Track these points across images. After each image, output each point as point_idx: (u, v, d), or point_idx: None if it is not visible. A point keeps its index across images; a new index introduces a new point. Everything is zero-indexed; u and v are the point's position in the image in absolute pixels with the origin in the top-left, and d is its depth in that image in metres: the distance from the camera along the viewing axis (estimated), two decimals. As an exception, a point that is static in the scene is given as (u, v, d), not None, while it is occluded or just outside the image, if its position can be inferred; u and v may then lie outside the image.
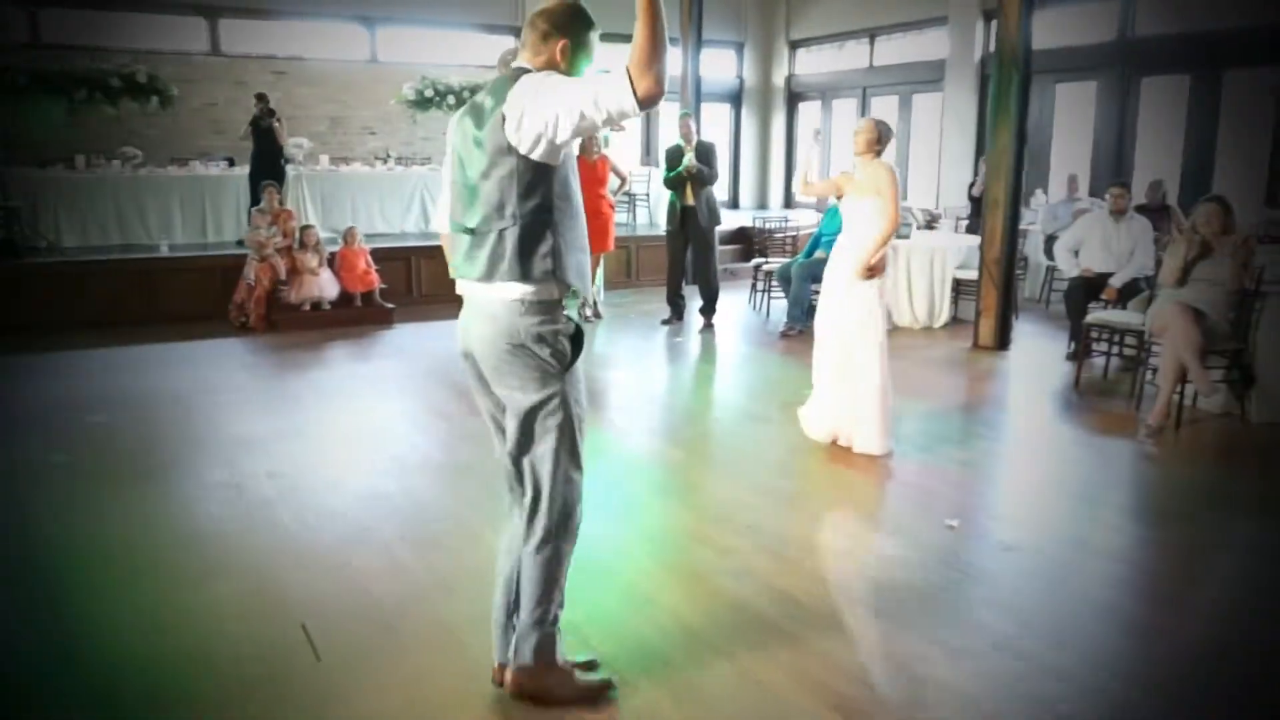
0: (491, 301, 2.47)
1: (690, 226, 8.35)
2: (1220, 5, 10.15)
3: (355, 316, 8.77)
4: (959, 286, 8.63)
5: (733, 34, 15.96)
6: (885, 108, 14.33)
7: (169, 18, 12.17)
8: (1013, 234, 7.49)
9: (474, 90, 11.48)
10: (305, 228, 8.88)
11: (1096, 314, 6.49)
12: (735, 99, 16.34)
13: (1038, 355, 7.45)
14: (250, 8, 12.47)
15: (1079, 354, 6.70)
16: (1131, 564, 3.68)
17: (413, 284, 9.85)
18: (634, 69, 2.18)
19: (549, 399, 2.48)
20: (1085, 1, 11.39)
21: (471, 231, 2.47)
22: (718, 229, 8.58)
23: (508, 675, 2.66)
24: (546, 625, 2.61)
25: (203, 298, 8.74)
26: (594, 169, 8.72)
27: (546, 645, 2.62)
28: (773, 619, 3.19)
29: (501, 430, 2.61)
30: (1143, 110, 11.11)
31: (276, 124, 10.18)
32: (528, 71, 2.45)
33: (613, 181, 8.95)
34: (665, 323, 8.78)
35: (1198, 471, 4.87)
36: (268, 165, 10.19)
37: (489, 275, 2.44)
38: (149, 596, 3.33)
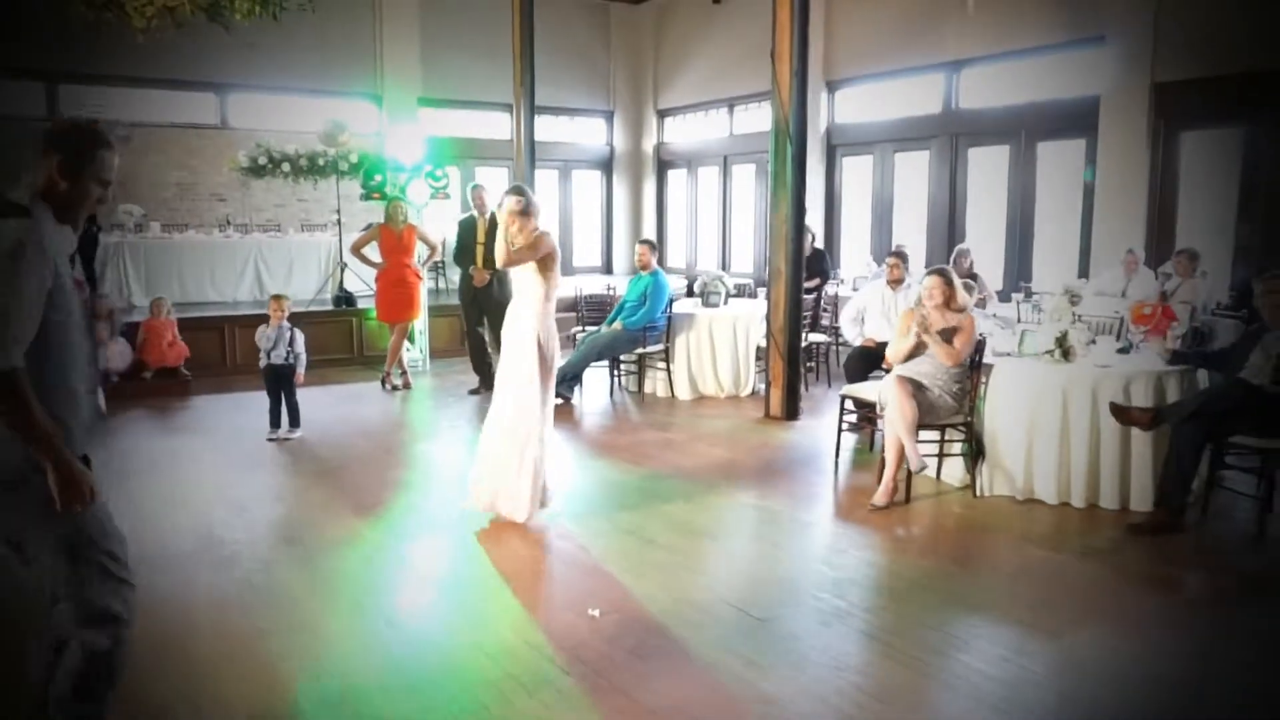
0: None
1: (483, 298, 8.25)
2: (1031, 80, 10.49)
3: (147, 389, 8.48)
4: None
5: (602, 102, 16.13)
6: (744, 175, 14.52)
7: (7, 84, 11.91)
8: (796, 303, 7.49)
9: (311, 158, 11.38)
10: (97, 296, 8.62)
11: (846, 386, 6.46)
12: (606, 166, 16.46)
13: (825, 427, 7.37)
14: (93, 73, 12.26)
15: (845, 426, 6.65)
16: (752, 664, 3.53)
17: (226, 354, 9.60)
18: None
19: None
20: (911, 75, 11.71)
21: None
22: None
23: None
24: None
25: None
26: (400, 238, 8.64)
27: None
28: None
29: None
30: (971, 179, 11.36)
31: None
32: (11, 209, 2.32)
33: (421, 250, 8.86)
34: (473, 392, 8.61)
35: (898, 554, 4.77)
36: (84, 233, 9.92)
37: None
38: None
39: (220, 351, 9.60)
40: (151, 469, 6.28)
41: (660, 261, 16.11)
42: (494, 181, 13.64)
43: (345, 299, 10.51)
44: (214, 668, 3.39)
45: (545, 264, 4.94)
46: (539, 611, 3.98)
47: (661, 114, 16.07)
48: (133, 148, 12.49)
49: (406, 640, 3.69)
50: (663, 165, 16.25)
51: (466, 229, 8.29)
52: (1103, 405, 5.20)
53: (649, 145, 16.28)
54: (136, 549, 4.55)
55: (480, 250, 8.18)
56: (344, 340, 10.36)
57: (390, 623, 3.84)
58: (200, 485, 5.86)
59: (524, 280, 5.03)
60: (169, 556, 4.52)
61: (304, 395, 7.23)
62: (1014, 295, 8.97)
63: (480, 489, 5.05)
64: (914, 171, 12.04)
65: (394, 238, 8.62)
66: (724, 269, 14.38)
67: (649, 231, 16.22)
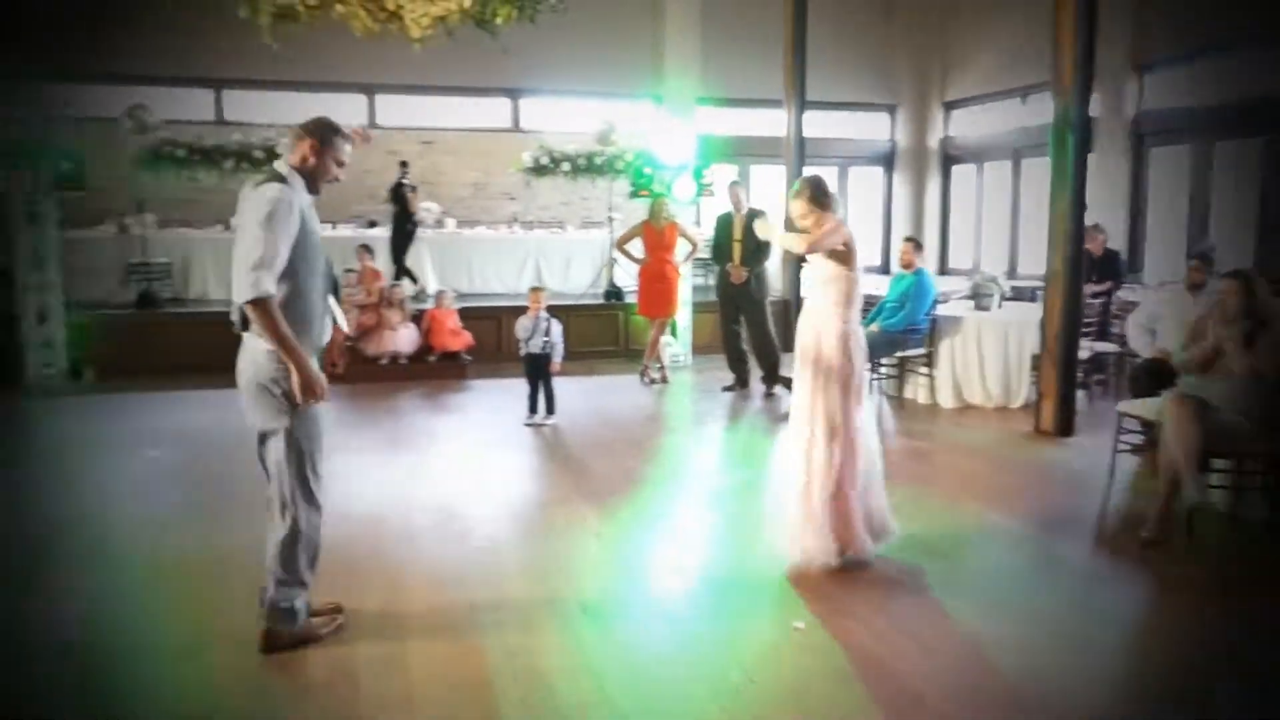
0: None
1: (739, 295, 8.18)
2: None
3: (427, 371, 9.22)
4: (1043, 365, 7.88)
5: (886, 96, 15.54)
6: (1037, 170, 13.41)
7: (334, 95, 13.42)
8: (1073, 309, 6.79)
9: (589, 157, 11.83)
10: (392, 286, 9.48)
11: (1126, 402, 5.74)
12: (888, 162, 15.84)
13: (1102, 447, 6.59)
14: (405, 84, 13.48)
15: (1125, 448, 5.93)
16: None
17: (501, 341, 10.18)
18: (251, 300, 3.06)
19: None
20: (1240, 51, 10.25)
21: None
22: (770, 298, 8.34)
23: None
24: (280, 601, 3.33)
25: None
26: (661, 235, 8.78)
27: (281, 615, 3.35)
28: None
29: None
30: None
31: (410, 192, 10.97)
32: (274, 177, 3.24)
33: (682, 247, 8.94)
34: (728, 389, 8.59)
35: (1160, 594, 4.18)
36: (400, 228, 10.98)
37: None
38: None
39: (496, 339, 10.23)
40: (412, 444, 6.80)
41: (942, 262, 15.46)
42: (769, 180, 13.57)
43: (614, 293, 10.85)
44: (421, 636, 3.57)
45: (844, 259, 4.26)
46: (740, 620, 3.86)
47: (948, 106, 15.23)
48: (433, 150, 13.68)
49: (600, 630, 3.69)
50: (948, 160, 15.39)
51: (723, 226, 8.27)
52: None
53: (934, 140, 15.48)
54: (378, 517, 4.96)
55: (737, 247, 8.13)
56: (610, 333, 10.72)
57: (588, 611, 3.86)
58: (452, 462, 6.26)
59: (822, 279, 4.33)
60: (406, 527, 4.85)
61: (564, 384, 7.53)
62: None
63: (779, 529, 4.40)
64: (1240, 162, 10.54)
65: (656, 234, 8.77)
66: (1011, 270, 13.41)
67: (931, 230, 15.46)
